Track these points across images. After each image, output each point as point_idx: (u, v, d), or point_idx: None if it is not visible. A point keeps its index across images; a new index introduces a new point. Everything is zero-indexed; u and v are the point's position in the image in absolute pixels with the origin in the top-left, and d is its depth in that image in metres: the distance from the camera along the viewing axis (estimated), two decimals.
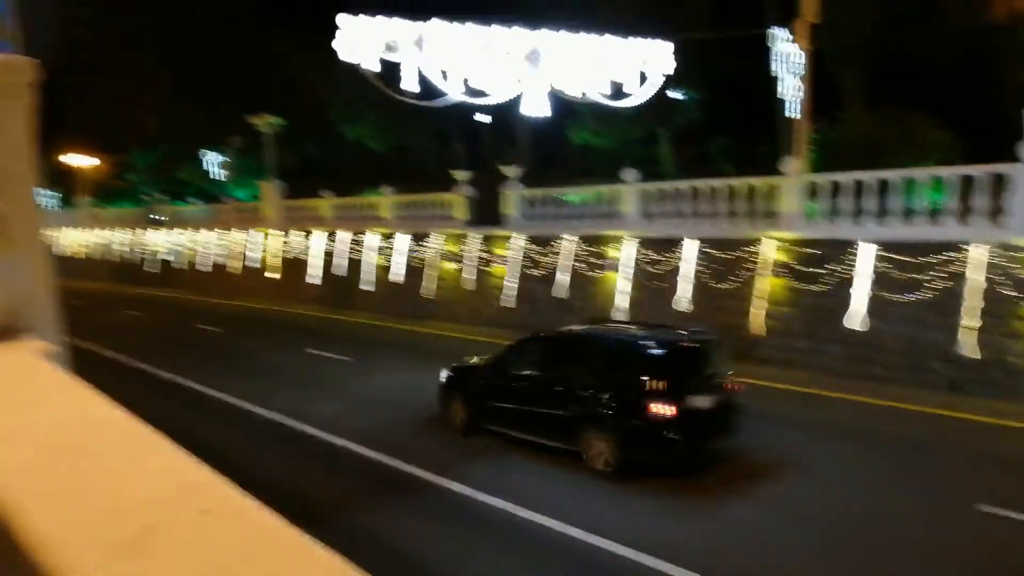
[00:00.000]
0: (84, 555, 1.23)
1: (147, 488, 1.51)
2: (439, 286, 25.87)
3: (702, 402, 10.61)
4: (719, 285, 18.59)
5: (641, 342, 11.37)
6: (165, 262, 42.78)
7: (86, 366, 2.59)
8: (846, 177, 16.74)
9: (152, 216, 44.66)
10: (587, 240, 21.52)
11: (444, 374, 13.60)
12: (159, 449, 1.69)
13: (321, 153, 40.46)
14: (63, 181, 60.37)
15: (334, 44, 15.78)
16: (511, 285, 23.34)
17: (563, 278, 21.92)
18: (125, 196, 54.13)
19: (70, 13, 67.86)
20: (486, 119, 37.03)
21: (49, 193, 63.84)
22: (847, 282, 16.38)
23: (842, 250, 16.51)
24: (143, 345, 22.77)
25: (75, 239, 53.31)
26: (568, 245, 21.89)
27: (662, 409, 10.21)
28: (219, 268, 38.34)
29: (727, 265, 18.51)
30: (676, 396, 10.27)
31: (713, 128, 31.74)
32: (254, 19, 45.45)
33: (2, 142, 2.86)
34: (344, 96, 34.59)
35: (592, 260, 21.36)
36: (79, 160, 52.86)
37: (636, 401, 10.38)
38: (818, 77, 21.90)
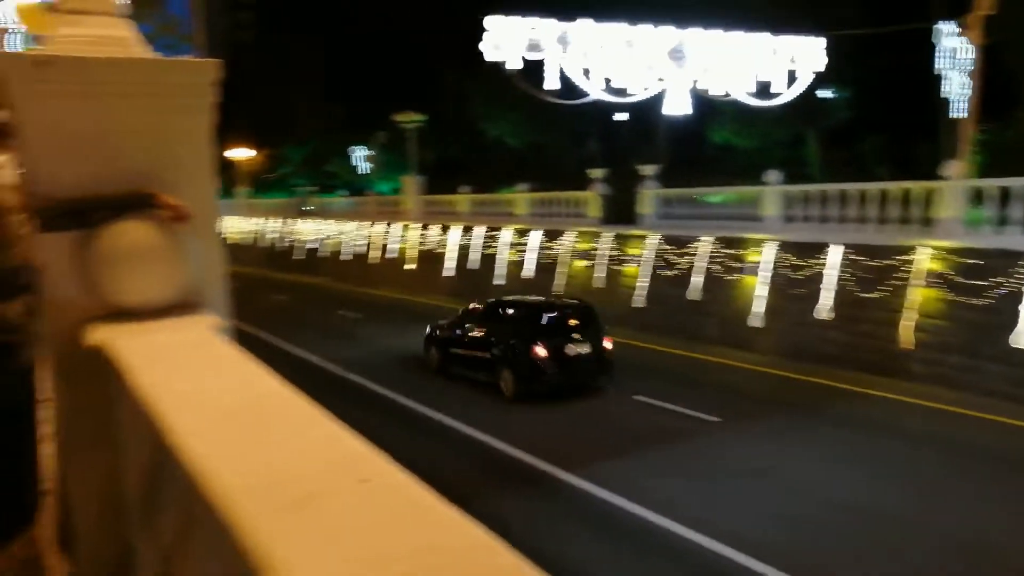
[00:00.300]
0: (259, 510, 1.36)
1: (311, 456, 1.62)
2: (569, 283, 25.93)
3: (572, 351, 15.21)
4: (865, 294, 17.58)
5: (533, 308, 16.37)
6: (311, 250, 45.26)
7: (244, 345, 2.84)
8: (1018, 183, 15.39)
9: (303, 207, 47.36)
10: (725, 242, 20.91)
11: (427, 329, 18.72)
12: (319, 422, 1.82)
13: (460, 150, 41.48)
14: (223, 172, 65.16)
15: (481, 45, 16.16)
16: (643, 285, 23.06)
17: (697, 280, 21.41)
18: (278, 187, 57.68)
19: (235, 19, 73.08)
20: (624, 117, 36.70)
21: None
22: (1015, 297, 15.07)
23: (1011, 262, 15.20)
24: (290, 326, 24.22)
25: (232, 226, 57.40)
26: (704, 247, 21.36)
27: (541, 353, 14.98)
28: (360, 258, 40.14)
29: (875, 273, 17.48)
30: (552, 345, 15.06)
31: (865, 127, 29.99)
32: (403, 20, 47.22)
33: (189, 138, 3.15)
34: (486, 94, 35.26)
35: (729, 263, 20.74)
36: (239, 153, 56.85)
37: (526, 348, 15.12)
38: (989, 74, 20.22)
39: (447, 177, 36.82)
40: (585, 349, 15.33)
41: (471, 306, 17.77)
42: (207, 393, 2.08)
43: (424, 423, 14.58)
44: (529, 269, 27.67)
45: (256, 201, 57.18)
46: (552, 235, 26.83)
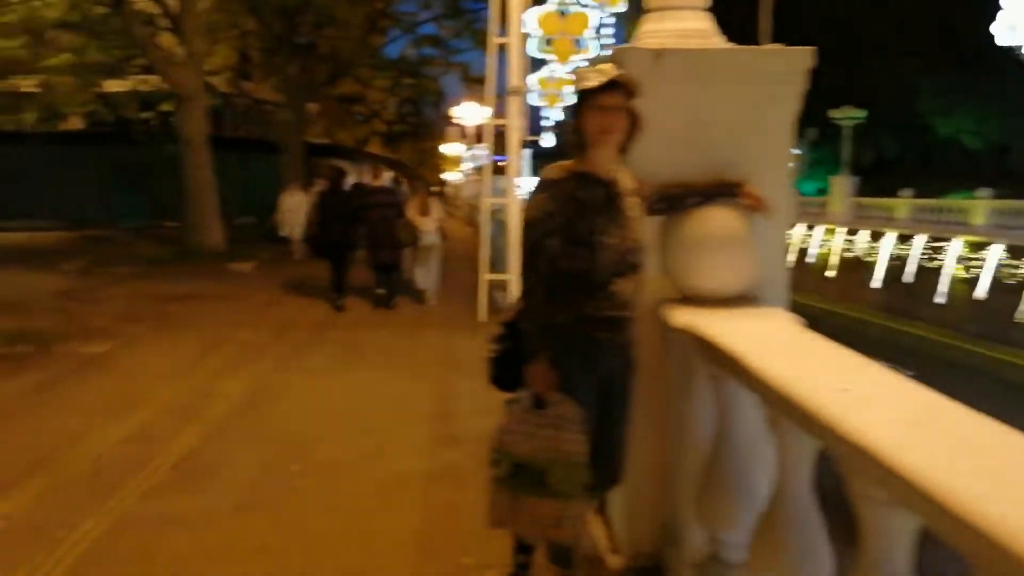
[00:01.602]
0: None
1: None
2: None
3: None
4: None
5: None
6: None
7: None
8: None
9: None
10: None
11: None
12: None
13: (902, 148, 37.39)
14: None
15: (993, 26, 14.15)
16: None
17: None
18: None
19: None
20: None
21: None
22: None
23: None
24: None
25: None
26: None
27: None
28: None
29: None
30: None
31: None
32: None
33: (773, 127, 3.12)
34: (941, 87, 31.21)
35: None
36: None
37: None
38: None
39: (882, 179, 33.50)
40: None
41: None
42: (864, 390, 1.94)
43: None
44: (983, 288, 23.86)
45: None
46: (1018, 252, 22.71)
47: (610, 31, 19.52)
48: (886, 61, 34.93)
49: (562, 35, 7.50)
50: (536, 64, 8.25)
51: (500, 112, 8.81)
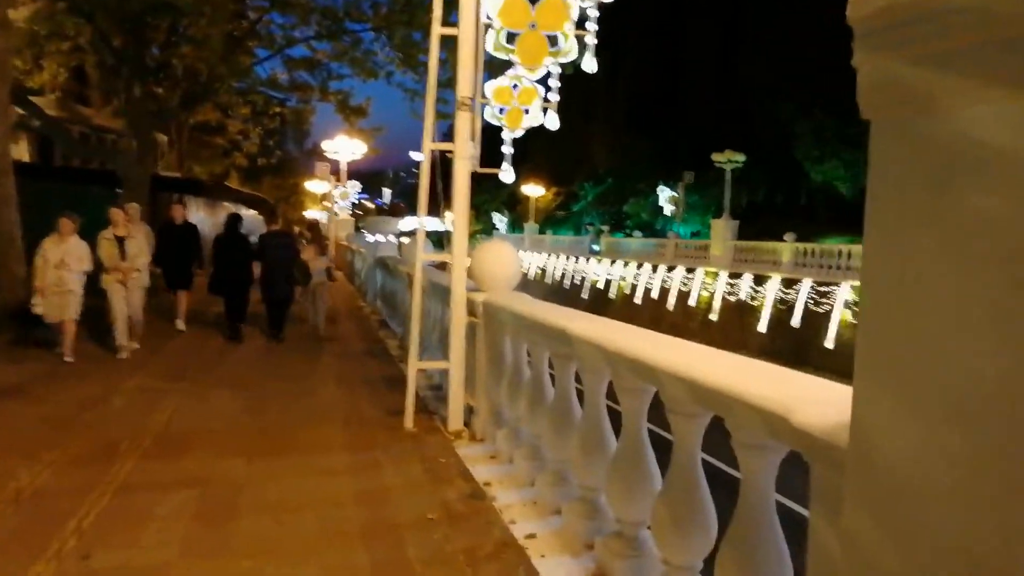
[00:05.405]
0: None
1: None
2: None
3: None
4: None
5: None
6: (596, 290, 44.37)
7: None
8: None
9: (593, 246, 46.82)
10: None
11: None
12: None
13: (774, 194, 38.16)
14: (513, 208, 67.38)
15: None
16: None
17: None
18: (567, 224, 58.07)
19: None
20: None
21: (499, 216, 71.82)
22: None
23: None
24: None
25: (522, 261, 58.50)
26: None
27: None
28: (652, 302, 38.33)
29: None
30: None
31: None
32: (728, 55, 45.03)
33: None
34: (816, 134, 31.90)
35: None
36: (532, 190, 58.15)
37: None
38: None
39: (758, 223, 33.83)
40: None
41: None
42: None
43: None
44: None
45: (543, 237, 58.03)
46: None
47: None
48: (765, 106, 35.60)
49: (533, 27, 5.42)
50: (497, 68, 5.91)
51: (448, 132, 6.56)
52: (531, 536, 4.05)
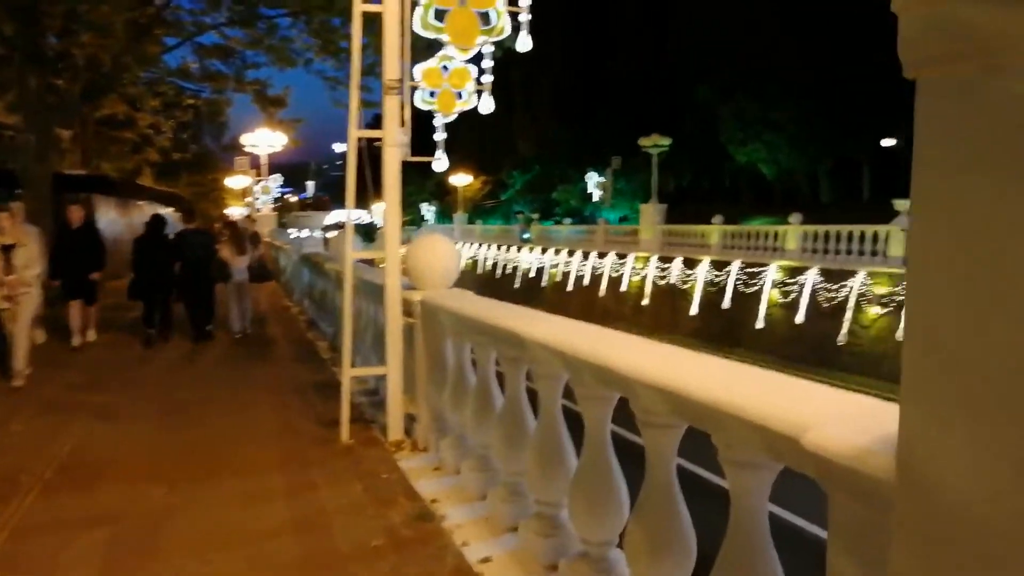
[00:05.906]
0: None
1: None
2: (857, 333, 22.37)
3: None
4: None
5: None
6: (532, 279, 44.21)
7: None
8: None
9: (523, 235, 46.64)
10: None
11: None
12: None
13: (704, 177, 38.70)
14: (442, 198, 66.65)
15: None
16: None
17: None
18: (496, 213, 57.74)
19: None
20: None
21: (427, 206, 70.98)
22: None
23: None
24: None
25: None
26: None
27: None
28: (584, 289, 38.36)
29: None
30: None
31: None
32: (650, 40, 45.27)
33: None
34: (738, 117, 32.38)
35: None
36: (460, 179, 57.58)
37: None
38: None
39: (684, 206, 34.25)
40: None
41: None
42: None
43: None
44: (801, 313, 24.33)
45: (472, 227, 57.57)
46: (834, 275, 23.35)
47: None
48: (690, 91, 35.96)
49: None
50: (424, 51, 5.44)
51: (373, 122, 6.07)
52: (486, 560, 3.68)
